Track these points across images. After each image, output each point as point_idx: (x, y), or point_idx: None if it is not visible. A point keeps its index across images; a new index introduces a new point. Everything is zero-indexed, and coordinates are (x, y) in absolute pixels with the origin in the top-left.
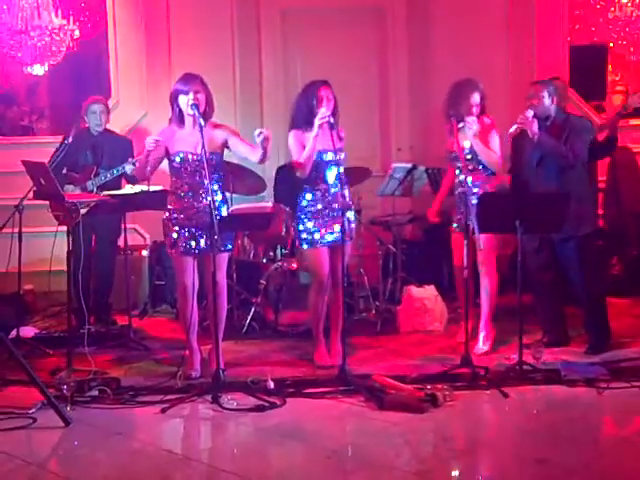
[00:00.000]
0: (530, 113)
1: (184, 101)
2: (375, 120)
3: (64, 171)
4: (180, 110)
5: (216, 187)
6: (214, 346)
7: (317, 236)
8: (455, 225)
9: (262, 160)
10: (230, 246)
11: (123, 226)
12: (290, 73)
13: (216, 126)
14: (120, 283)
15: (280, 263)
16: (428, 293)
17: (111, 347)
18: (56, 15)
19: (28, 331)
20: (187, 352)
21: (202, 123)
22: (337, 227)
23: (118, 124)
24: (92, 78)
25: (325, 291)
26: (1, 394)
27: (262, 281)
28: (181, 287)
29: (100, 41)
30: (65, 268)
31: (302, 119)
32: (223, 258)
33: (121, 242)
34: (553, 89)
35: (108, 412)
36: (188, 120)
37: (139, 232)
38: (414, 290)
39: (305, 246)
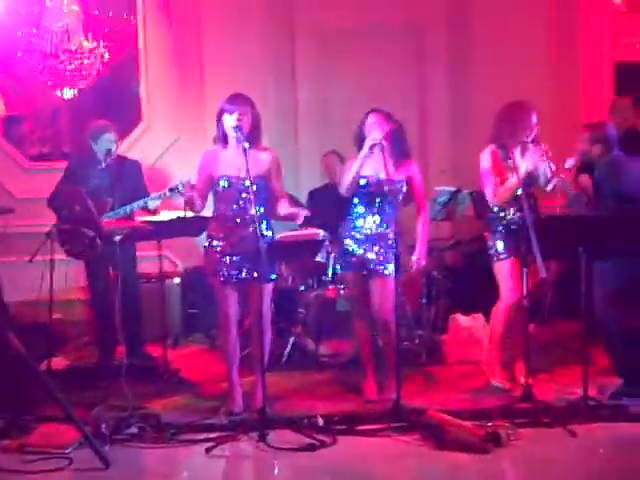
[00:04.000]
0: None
1: (227, 121)
2: (414, 141)
3: None
4: (224, 130)
5: (261, 213)
6: (258, 380)
7: (360, 261)
8: (505, 255)
9: (275, 218)
10: (275, 276)
11: (158, 253)
12: (326, 93)
13: (264, 150)
14: (149, 312)
15: (319, 291)
16: (476, 322)
17: (145, 380)
18: (86, 38)
19: (59, 363)
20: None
21: (246, 146)
22: (385, 256)
23: (149, 149)
24: (122, 102)
25: (364, 317)
26: (35, 431)
27: (301, 310)
28: (223, 318)
29: (130, 64)
30: (81, 297)
31: (356, 142)
32: (268, 289)
33: (154, 269)
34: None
35: (149, 452)
36: (232, 141)
37: (170, 259)
38: (461, 319)
39: (346, 270)
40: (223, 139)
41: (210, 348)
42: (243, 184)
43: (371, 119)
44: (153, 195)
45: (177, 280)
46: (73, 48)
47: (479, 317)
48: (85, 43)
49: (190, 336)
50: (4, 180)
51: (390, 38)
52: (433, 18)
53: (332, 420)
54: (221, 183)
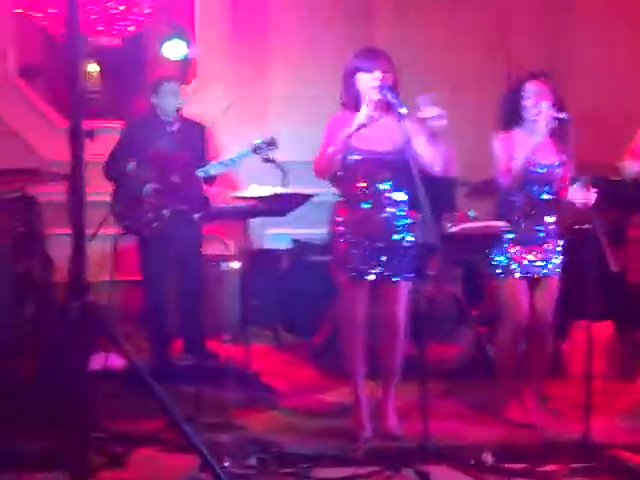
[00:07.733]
0: None
1: (366, 81)
2: None
3: (131, 165)
4: (358, 93)
5: (404, 195)
6: (389, 398)
7: (514, 265)
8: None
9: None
10: (413, 274)
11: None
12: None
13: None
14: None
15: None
16: (603, 329)
17: (220, 386)
18: None
19: (115, 360)
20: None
21: (403, 111)
22: (541, 255)
23: (202, 110)
24: None
25: (522, 335)
26: (131, 461)
27: None
28: (350, 321)
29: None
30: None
31: (506, 119)
32: (405, 289)
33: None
34: None
35: None
36: (367, 106)
37: (220, 240)
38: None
39: (499, 275)
40: (355, 103)
41: (278, 346)
42: (381, 159)
43: (533, 88)
44: (234, 155)
45: (236, 265)
46: None
47: (607, 324)
48: None
49: (251, 331)
50: (34, 140)
51: None
52: None
53: (498, 455)
54: (353, 157)
